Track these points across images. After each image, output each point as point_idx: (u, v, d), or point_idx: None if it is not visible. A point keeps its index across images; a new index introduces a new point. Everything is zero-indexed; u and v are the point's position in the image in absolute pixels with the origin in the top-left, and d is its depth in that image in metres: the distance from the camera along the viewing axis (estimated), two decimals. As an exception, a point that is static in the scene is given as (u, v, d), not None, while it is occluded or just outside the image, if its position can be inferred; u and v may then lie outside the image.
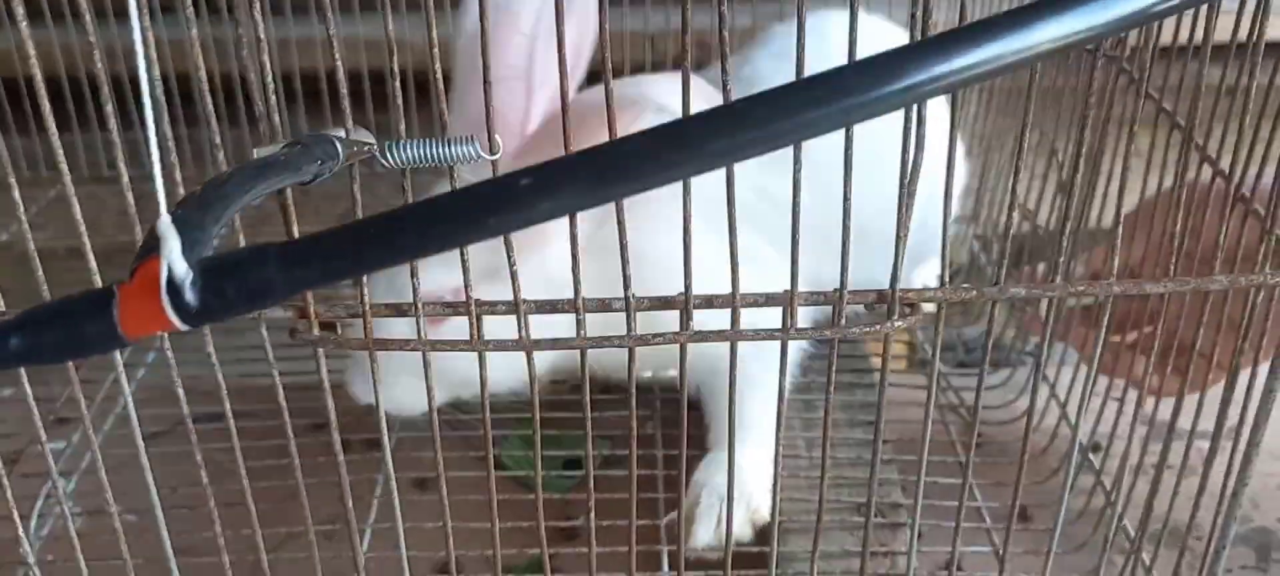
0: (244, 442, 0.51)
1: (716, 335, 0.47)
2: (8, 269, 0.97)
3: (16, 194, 0.44)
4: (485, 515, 0.53)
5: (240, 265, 0.29)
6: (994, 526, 0.75)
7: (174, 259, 0.28)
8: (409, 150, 0.42)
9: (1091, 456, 0.78)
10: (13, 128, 1.11)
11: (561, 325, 0.47)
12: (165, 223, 0.29)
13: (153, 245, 0.29)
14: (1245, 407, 0.55)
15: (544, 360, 0.87)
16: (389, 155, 0.42)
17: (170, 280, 0.28)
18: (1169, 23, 0.66)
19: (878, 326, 0.44)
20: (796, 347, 0.82)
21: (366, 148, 0.42)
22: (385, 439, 0.51)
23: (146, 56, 0.34)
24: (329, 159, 0.41)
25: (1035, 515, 0.78)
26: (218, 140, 0.43)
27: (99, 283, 0.45)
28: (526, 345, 0.47)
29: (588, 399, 0.49)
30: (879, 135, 0.40)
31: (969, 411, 0.88)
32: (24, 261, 0.46)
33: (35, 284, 0.45)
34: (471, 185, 0.28)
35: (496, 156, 0.42)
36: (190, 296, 0.28)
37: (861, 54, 0.30)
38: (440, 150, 0.42)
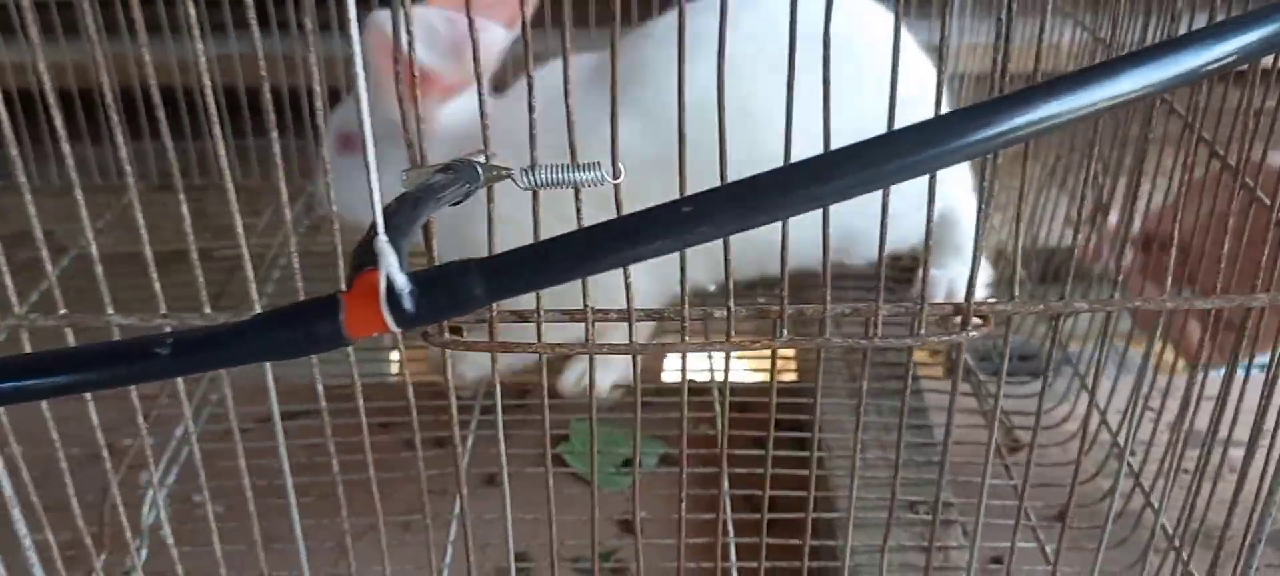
0: (320, 438, 0.56)
1: (804, 341, 0.52)
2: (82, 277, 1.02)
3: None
4: (551, 510, 0.58)
5: (448, 278, 0.34)
6: (1038, 524, 0.80)
7: (394, 272, 0.33)
8: (541, 175, 0.47)
9: (1130, 460, 0.83)
10: (85, 137, 1.17)
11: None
12: (383, 242, 0.34)
13: (368, 259, 0.35)
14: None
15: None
16: (523, 179, 0.47)
17: (390, 290, 0.33)
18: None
19: (953, 337, 0.49)
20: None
21: (504, 172, 0.47)
22: (456, 437, 0.56)
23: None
24: (473, 182, 0.46)
25: (1074, 514, 0.83)
26: (278, 150, 0.47)
27: (159, 287, 0.50)
28: (634, 349, 0.52)
29: (639, 401, 0.54)
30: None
31: (1007, 415, 0.93)
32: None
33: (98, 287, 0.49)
34: (645, 212, 0.34)
35: (619, 181, 0.47)
36: (408, 304, 0.34)
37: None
38: (569, 176, 0.47)
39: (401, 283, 0.33)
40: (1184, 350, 0.78)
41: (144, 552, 0.74)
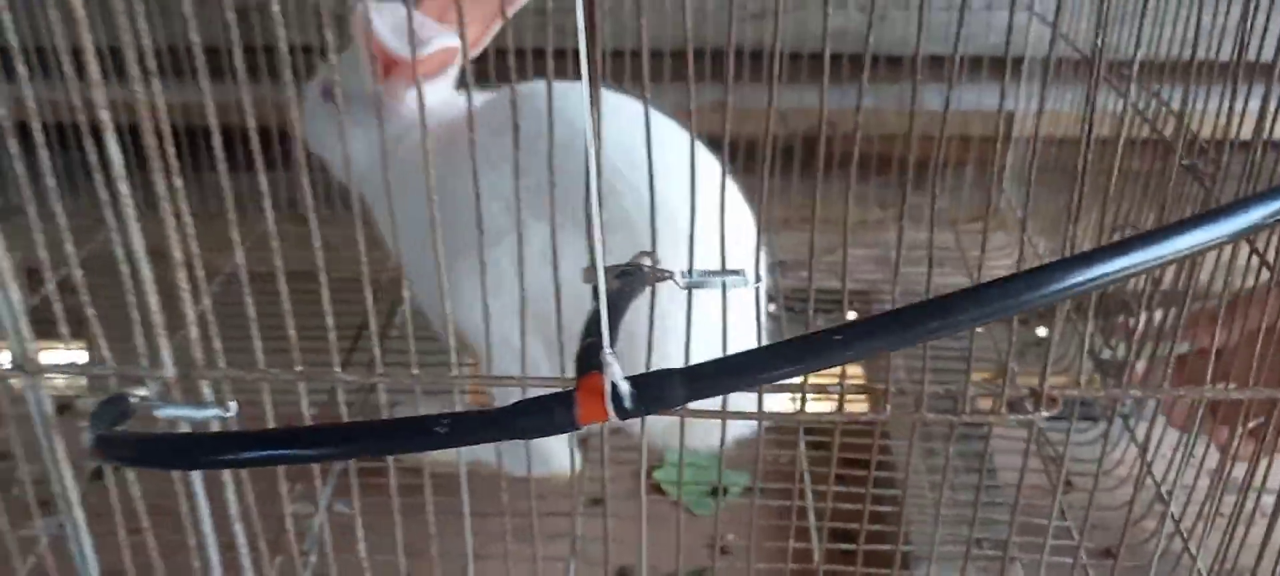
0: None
1: (902, 414, 0.62)
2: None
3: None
4: (650, 530, 0.69)
5: (657, 382, 0.45)
6: (1088, 563, 0.90)
7: (618, 380, 0.45)
8: (696, 278, 0.58)
9: (1170, 505, 0.93)
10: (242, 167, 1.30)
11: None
12: (608, 354, 0.45)
13: (594, 364, 0.46)
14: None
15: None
16: (682, 280, 0.58)
17: (615, 392, 0.45)
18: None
19: (1028, 417, 0.60)
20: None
21: (667, 274, 0.58)
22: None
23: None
24: (644, 283, 0.57)
25: (1119, 552, 0.93)
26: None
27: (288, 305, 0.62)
28: (760, 416, 0.63)
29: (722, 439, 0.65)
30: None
31: (1058, 458, 1.03)
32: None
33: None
34: (806, 338, 0.45)
35: (760, 283, 0.58)
36: (627, 403, 0.45)
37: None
38: (719, 279, 0.58)
39: (624, 388, 0.45)
40: (1214, 438, 0.87)
41: (313, 557, 0.86)
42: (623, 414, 0.45)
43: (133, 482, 0.67)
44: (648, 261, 0.58)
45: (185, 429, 0.65)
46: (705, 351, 0.60)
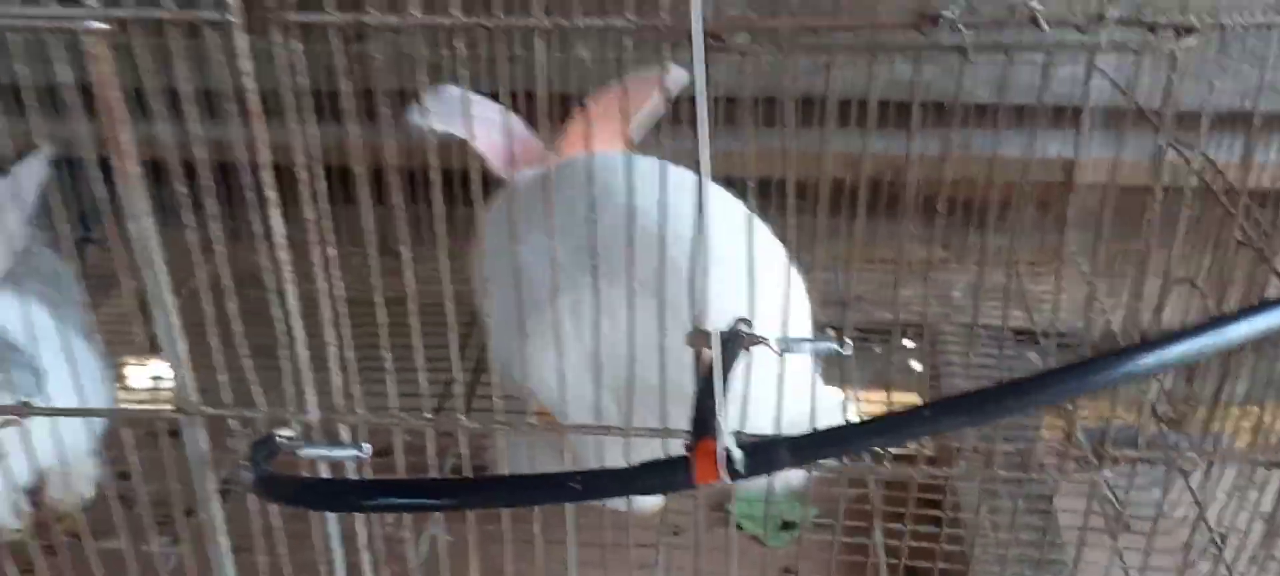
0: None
1: (972, 472, 0.68)
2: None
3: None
4: (726, 562, 0.75)
5: (766, 448, 0.52)
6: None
7: (731, 446, 0.51)
8: (790, 345, 0.65)
9: (1219, 543, 0.97)
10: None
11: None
12: (722, 422, 0.52)
13: (708, 431, 0.52)
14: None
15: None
16: (778, 348, 0.65)
17: (728, 457, 0.51)
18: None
19: (1092, 475, 0.65)
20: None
21: (762, 340, 0.64)
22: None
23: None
24: (742, 348, 0.64)
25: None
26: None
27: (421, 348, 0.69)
28: (842, 469, 0.69)
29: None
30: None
31: (1118, 500, 1.08)
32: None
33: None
34: (898, 414, 0.51)
35: (848, 353, 0.64)
36: (740, 467, 0.51)
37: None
38: (811, 346, 0.64)
39: (737, 454, 0.51)
40: None
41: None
42: (734, 476, 0.51)
43: (270, 511, 0.76)
44: (745, 328, 0.65)
45: (323, 465, 0.73)
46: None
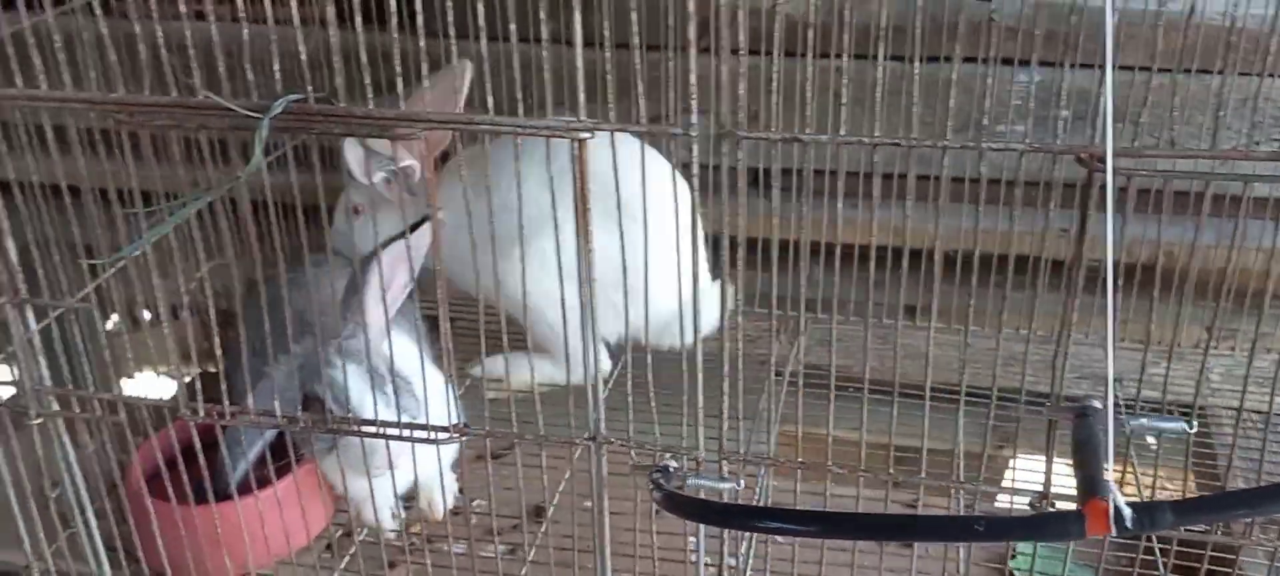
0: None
1: (1235, 543, 0.75)
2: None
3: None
4: None
5: (1151, 510, 0.61)
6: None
7: (1122, 506, 0.61)
8: (1138, 420, 0.74)
9: None
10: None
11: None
12: (1110, 484, 0.62)
13: (1099, 491, 0.62)
14: None
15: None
16: (1129, 426, 0.74)
17: (1118, 514, 0.61)
18: None
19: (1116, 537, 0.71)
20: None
21: (1121, 412, 0.74)
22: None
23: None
24: (1103, 420, 0.73)
25: None
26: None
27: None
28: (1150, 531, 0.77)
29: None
30: None
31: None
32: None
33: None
34: (1268, 490, 0.59)
35: (1191, 429, 0.73)
36: (1128, 525, 0.61)
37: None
38: (1157, 424, 0.73)
39: (1127, 515, 0.61)
40: None
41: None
42: (1122, 532, 0.61)
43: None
44: (1098, 404, 0.74)
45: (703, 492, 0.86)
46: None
